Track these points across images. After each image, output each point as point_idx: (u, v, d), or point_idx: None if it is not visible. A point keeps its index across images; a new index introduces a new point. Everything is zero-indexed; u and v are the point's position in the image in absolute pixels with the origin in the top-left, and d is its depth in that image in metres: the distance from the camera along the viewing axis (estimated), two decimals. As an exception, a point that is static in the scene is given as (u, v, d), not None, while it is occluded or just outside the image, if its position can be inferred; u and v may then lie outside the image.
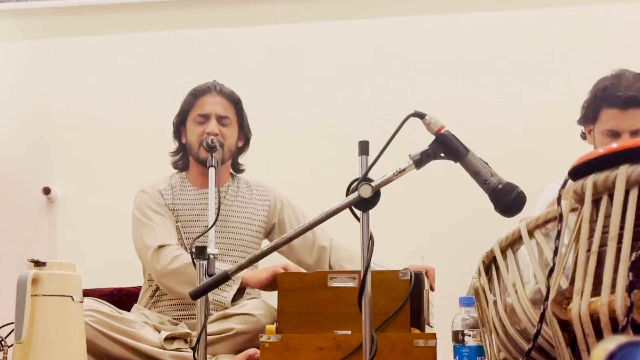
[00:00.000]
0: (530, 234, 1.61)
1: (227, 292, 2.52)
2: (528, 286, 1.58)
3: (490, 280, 1.69)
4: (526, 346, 1.52)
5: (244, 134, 2.86)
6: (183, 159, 2.87)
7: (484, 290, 1.69)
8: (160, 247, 2.62)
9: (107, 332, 2.39)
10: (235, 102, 2.82)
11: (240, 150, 2.88)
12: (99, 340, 2.37)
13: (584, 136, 2.72)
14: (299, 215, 2.87)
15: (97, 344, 2.36)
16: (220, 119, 2.77)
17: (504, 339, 1.61)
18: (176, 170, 2.88)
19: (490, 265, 1.71)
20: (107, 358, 2.41)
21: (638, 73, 2.53)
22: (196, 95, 2.81)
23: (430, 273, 2.45)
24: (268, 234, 2.89)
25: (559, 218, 1.39)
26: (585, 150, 2.59)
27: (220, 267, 2.18)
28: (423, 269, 2.29)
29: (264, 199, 2.87)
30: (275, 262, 2.65)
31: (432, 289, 2.44)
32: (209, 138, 2.46)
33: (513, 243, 1.65)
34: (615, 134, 2.52)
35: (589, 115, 2.58)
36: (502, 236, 1.67)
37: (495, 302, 1.64)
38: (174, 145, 2.89)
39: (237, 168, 2.90)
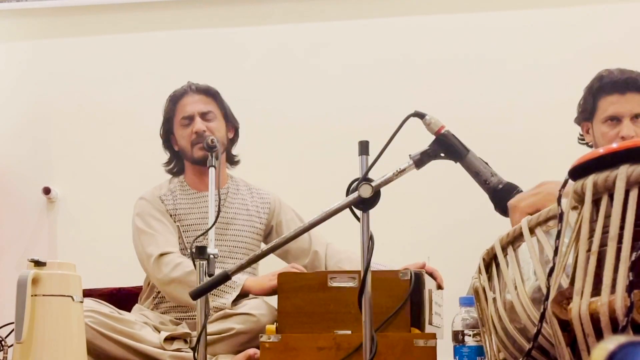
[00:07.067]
0: (532, 231, 1.60)
1: (225, 298, 2.51)
2: (528, 283, 1.57)
3: (490, 278, 1.69)
4: (525, 345, 1.51)
5: (232, 125, 2.87)
6: (177, 166, 2.87)
7: (484, 290, 1.69)
8: (162, 255, 2.62)
9: (107, 333, 2.39)
10: (214, 95, 2.82)
11: (232, 141, 2.88)
12: (99, 341, 2.37)
13: (582, 139, 2.69)
14: (295, 218, 2.88)
15: (97, 344, 2.37)
16: (204, 115, 2.78)
17: (503, 337, 1.61)
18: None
19: (490, 262, 1.71)
20: (107, 359, 2.40)
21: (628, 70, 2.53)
22: (175, 100, 2.83)
23: (436, 273, 2.45)
24: (266, 237, 2.89)
25: (559, 218, 1.38)
26: (584, 150, 2.61)
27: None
28: (424, 268, 2.29)
29: (264, 201, 2.87)
30: (272, 265, 2.65)
31: (440, 287, 2.43)
32: (209, 138, 2.38)
33: (514, 240, 1.65)
34: (615, 120, 2.47)
35: (587, 110, 2.54)
36: (503, 233, 1.67)
37: (494, 300, 1.64)
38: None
39: (231, 160, 2.90)
